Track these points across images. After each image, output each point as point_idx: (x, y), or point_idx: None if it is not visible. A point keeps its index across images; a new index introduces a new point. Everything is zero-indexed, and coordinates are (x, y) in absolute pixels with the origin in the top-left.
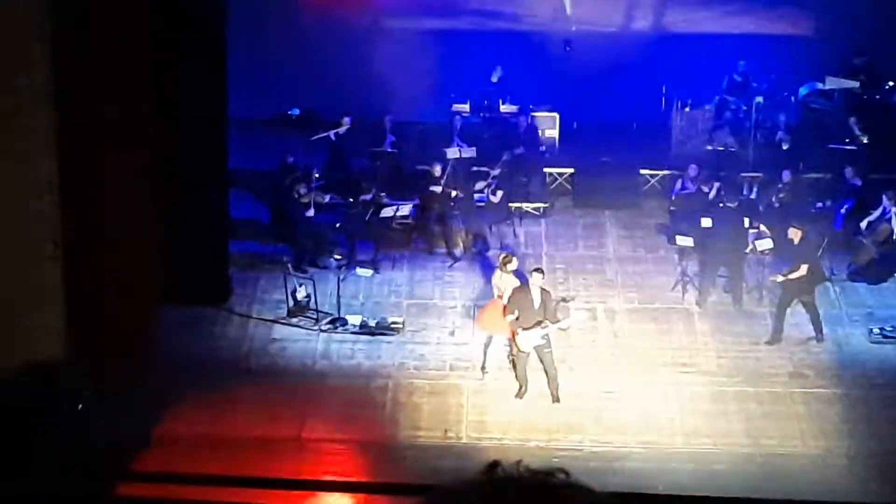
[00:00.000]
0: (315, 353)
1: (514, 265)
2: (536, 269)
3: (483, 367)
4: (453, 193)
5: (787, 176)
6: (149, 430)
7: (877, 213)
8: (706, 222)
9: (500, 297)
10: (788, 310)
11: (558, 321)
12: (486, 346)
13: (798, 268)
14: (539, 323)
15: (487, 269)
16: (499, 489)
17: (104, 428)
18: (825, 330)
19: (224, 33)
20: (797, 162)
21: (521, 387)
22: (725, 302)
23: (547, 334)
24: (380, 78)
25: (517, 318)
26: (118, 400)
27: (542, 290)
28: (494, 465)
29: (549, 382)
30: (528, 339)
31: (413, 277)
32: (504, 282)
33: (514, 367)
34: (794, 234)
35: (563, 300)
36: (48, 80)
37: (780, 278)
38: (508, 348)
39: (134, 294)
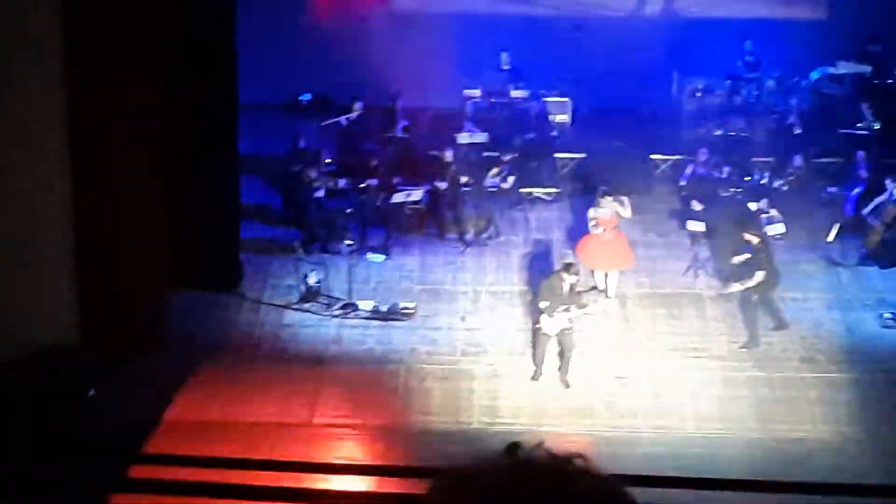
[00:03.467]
0: (327, 338)
1: (608, 201)
2: (571, 265)
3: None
4: (464, 179)
5: (797, 160)
6: (160, 414)
7: (884, 196)
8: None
9: (597, 227)
10: (797, 294)
11: (585, 306)
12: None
13: (753, 275)
14: (567, 308)
15: (498, 254)
16: (515, 472)
17: (115, 411)
18: (838, 314)
19: (234, 19)
20: (808, 147)
21: (536, 369)
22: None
23: (572, 318)
24: (391, 63)
25: (549, 305)
26: (130, 384)
27: (573, 285)
28: (515, 446)
29: (560, 366)
30: (555, 323)
31: (424, 263)
32: (601, 214)
33: (534, 348)
34: (751, 239)
35: (595, 288)
36: (59, 68)
37: (736, 287)
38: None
39: (146, 279)
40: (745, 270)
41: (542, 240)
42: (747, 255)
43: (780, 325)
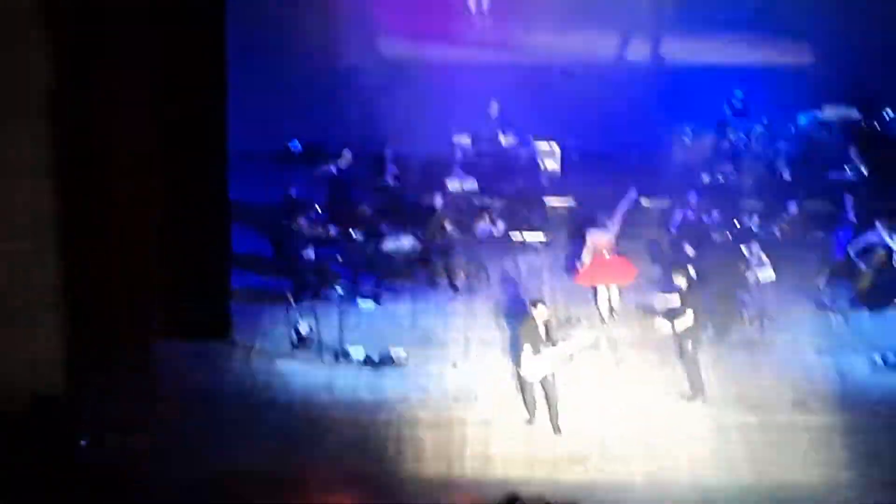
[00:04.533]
0: (318, 386)
1: (594, 233)
2: (539, 302)
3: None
4: (454, 225)
5: (792, 207)
6: (151, 464)
7: (873, 240)
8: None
9: (594, 250)
10: (788, 338)
11: (563, 343)
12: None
13: (685, 313)
14: (544, 349)
15: (489, 300)
16: None
17: (106, 462)
18: (830, 359)
19: (224, 66)
20: (797, 191)
21: (529, 414)
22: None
23: (554, 361)
24: (380, 111)
25: (529, 349)
26: (120, 435)
27: (546, 320)
28: (514, 499)
29: (549, 411)
30: (537, 369)
31: (415, 310)
32: (597, 238)
33: (523, 394)
34: (679, 280)
35: (568, 321)
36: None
37: (665, 329)
38: (516, 377)
39: (135, 328)
40: (672, 313)
41: (533, 285)
42: (674, 297)
43: (694, 393)
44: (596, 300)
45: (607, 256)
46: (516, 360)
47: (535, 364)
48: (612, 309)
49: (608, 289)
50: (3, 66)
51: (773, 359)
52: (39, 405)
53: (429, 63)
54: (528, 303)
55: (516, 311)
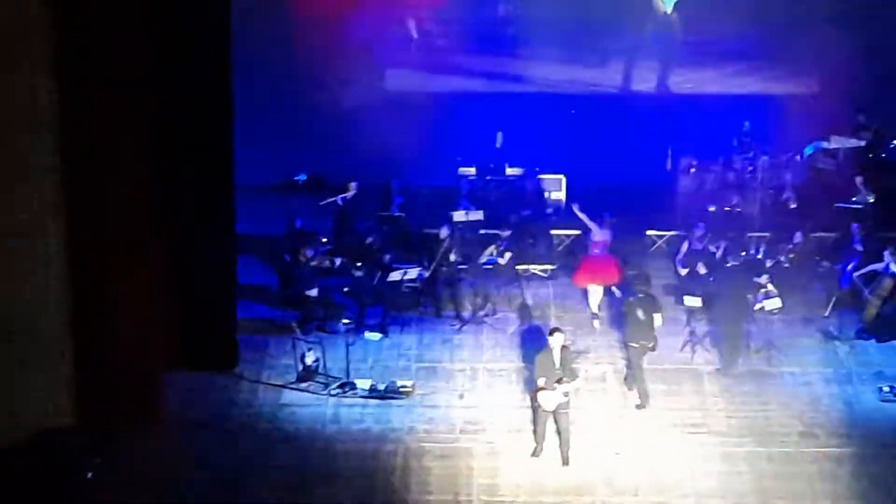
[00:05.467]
0: (325, 417)
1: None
2: (556, 330)
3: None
4: (461, 256)
5: (798, 237)
6: (158, 496)
7: (880, 269)
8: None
9: (596, 248)
10: (795, 368)
11: (576, 378)
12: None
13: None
14: (559, 381)
15: (495, 331)
16: None
17: (113, 495)
18: (837, 389)
19: (231, 101)
20: (804, 221)
21: (537, 445)
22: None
23: (567, 392)
24: (386, 142)
25: (545, 380)
26: (127, 467)
27: (563, 347)
28: None
29: (560, 444)
30: (551, 398)
31: (422, 341)
32: (602, 235)
33: (535, 425)
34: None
35: (581, 353)
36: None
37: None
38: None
39: (143, 360)
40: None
41: (539, 316)
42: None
43: (643, 398)
44: (587, 302)
45: (598, 253)
46: (533, 389)
47: (551, 394)
48: (599, 309)
49: (598, 290)
50: (7, 94)
51: (780, 389)
52: (46, 438)
53: (434, 95)
54: (545, 331)
55: (523, 342)
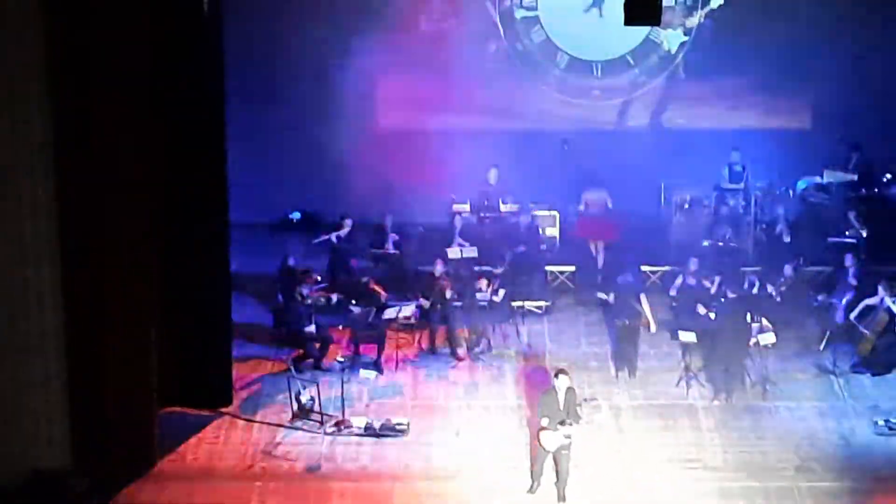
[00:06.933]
0: (320, 455)
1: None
2: (561, 371)
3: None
4: (455, 293)
5: (788, 270)
6: None
7: (874, 303)
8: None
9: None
10: (790, 402)
11: (580, 421)
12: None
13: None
14: (562, 423)
15: (490, 368)
16: None
17: None
18: (832, 423)
19: (224, 138)
20: (798, 255)
21: (533, 482)
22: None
23: (570, 434)
24: (380, 180)
25: (548, 420)
26: None
27: (568, 389)
28: None
29: (557, 482)
30: (553, 439)
31: (417, 378)
32: (591, 195)
33: (533, 463)
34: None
35: (586, 400)
36: (51, 194)
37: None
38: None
39: (137, 400)
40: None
41: (535, 353)
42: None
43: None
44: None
45: (597, 213)
46: (535, 428)
47: (553, 435)
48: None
49: (597, 249)
50: (4, 95)
51: (775, 423)
52: (41, 479)
53: (427, 132)
54: (541, 368)
55: (518, 379)
